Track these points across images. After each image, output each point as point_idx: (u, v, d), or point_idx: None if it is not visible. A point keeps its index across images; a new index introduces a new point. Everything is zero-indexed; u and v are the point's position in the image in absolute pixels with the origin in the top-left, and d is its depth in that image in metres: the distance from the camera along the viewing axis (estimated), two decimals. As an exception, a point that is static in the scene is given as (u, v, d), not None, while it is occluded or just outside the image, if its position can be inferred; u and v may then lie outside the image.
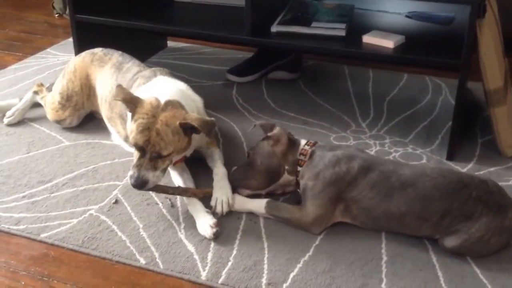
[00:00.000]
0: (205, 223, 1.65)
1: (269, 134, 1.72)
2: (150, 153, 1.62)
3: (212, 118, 1.70)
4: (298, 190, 1.72)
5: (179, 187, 1.73)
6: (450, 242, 1.54)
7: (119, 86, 1.71)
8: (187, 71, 2.71)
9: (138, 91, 1.83)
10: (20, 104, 2.26)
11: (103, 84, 2.05)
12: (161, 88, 1.79)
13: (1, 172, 1.92)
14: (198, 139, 1.79)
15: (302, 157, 1.70)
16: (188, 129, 1.66)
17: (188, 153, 1.82)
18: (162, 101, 1.67)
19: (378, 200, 1.58)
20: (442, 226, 1.55)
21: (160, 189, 1.69)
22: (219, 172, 1.80)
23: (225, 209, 1.69)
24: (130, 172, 1.64)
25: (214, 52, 2.95)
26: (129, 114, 1.72)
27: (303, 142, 1.74)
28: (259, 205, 1.70)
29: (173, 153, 1.66)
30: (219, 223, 1.65)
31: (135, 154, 1.67)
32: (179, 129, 1.64)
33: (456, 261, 1.55)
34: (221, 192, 1.73)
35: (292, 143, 1.73)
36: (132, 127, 1.66)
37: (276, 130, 1.72)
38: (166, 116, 1.63)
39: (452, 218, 1.53)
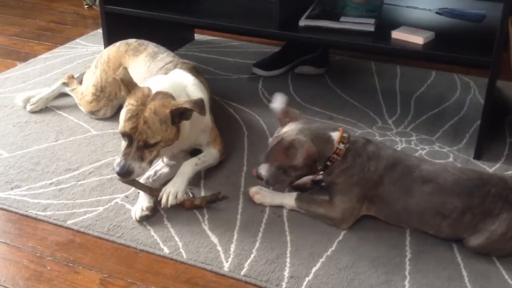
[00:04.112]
0: (140, 204, 1.67)
1: (295, 158, 1.56)
2: (137, 141, 1.63)
3: (200, 97, 1.71)
4: (323, 183, 1.71)
5: (154, 188, 1.73)
6: (474, 241, 1.52)
7: (125, 68, 1.73)
8: (213, 64, 2.72)
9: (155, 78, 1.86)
10: (45, 92, 2.29)
11: (136, 72, 2.06)
12: (164, 80, 1.80)
13: (30, 159, 1.96)
14: (195, 134, 1.80)
15: (335, 156, 1.60)
16: (176, 117, 1.66)
17: (185, 147, 1.83)
18: (154, 91, 1.68)
19: (400, 193, 1.57)
20: (462, 224, 1.53)
21: (137, 185, 1.70)
22: (183, 168, 1.76)
23: (171, 201, 1.66)
24: (117, 160, 1.65)
25: (240, 45, 2.96)
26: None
27: (335, 137, 1.61)
28: (289, 198, 1.70)
29: (161, 143, 1.66)
30: (153, 209, 1.67)
31: (123, 143, 1.68)
32: (167, 118, 1.64)
33: (481, 260, 1.53)
34: (173, 186, 1.69)
35: (322, 148, 1.59)
36: (122, 113, 1.67)
37: (301, 147, 1.54)
38: (155, 105, 1.64)
39: (473, 215, 1.51)
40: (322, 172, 1.65)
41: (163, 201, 1.67)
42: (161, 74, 1.90)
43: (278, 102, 1.71)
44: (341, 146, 1.60)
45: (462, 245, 1.57)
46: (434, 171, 1.58)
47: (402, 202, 1.58)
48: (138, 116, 1.62)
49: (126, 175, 1.63)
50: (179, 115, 1.66)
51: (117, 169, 1.63)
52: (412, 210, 1.57)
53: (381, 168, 1.59)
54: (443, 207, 1.54)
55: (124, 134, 1.65)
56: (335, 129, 1.63)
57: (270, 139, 1.65)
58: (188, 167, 1.77)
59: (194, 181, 1.82)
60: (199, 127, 1.83)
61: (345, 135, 1.62)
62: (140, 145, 1.63)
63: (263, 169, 1.64)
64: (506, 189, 1.52)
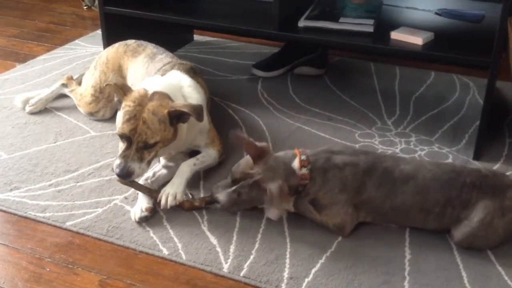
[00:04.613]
0: (139, 205, 1.67)
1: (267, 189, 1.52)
2: (137, 142, 1.63)
3: (200, 103, 1.72)
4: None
5: (153, 189, 1.73)
6: (457, 234, 1.55)
7: (115, 74, 1.72)
8: (212, 65, 2.72)
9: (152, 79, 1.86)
10: (44, 94, 2.29)
11: (134, 73, 2.06)
12: (160, 81, 1.80)
13: (29, 161, 1.95)
14: (193, 135, 1.80)
15: (303, 181, 1.58)
16: (174, 119, 1.66)
17: (183, 148, 1.83)
18: (150, 92, 1.68)
19: (385, 197, 1.58)
20: (446, 217, 1.56)
21: (136, 186, 1.70)
22: (181, 169, 1.76)
23: (170, 202, 1.66)
24: (116, 162, 1.64)
25: (240, 46, 2.96)
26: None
27: (296, 164, 1.59)
28: (288, 203, 1.68)
29: (159, 144, 1.66)
30: (152, 209, 1.67)
31: (120, 144, 1.67)
32: (166, 118, 1.64)
33: (480, 261, 1.53)
34: (172, 187, 1.70)
35: (290, 182, 1.57)
36: (119, 115, 1.67)
37: (274, 189, 1.51)
38: (153, 105, 1.64)
39: (452, 207, 1.55)
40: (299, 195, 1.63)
41: (162, 202, 1.67)
42: (159, 75, 1.90)
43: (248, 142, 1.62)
44: (304, 170, 1.58)
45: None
46: (412, 169, 1.59)
47: (388, 204, 1.58)
48: (136, 117, 1.62)
49: (126, 176, 1.63)
50: (177, 117, 1.66)
51: (117, 170, 1.63)
52: (398, 209, 1.58)
53: (359, 174, 1.58)
54: (426, 203, 1.56)
55: (123, 136, 1.65)
56: (293, 156, 1.61)
57: (238, 169, 1.60)
58: (186, 168, 1.77)
59: (193, 182, 1.82)
60: (196, 129, 1.83)
61: (303, 157, 1.60)
62: (139, 146, 1.63)
63: (222, 195, 1.61)
64: (479, 178, 1.56)
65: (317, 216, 1.63)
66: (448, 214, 1.56)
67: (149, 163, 1.68)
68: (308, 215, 1.65)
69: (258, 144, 1.60)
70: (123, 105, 1.67)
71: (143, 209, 1.66)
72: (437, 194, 1.56)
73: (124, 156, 1.63)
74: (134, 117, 1.63)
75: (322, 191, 1.60)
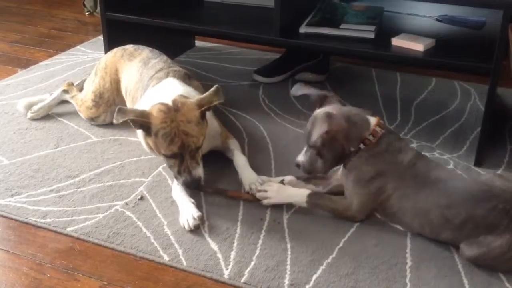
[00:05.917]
0: (189, 213, 1.67)
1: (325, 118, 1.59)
2: (189, 152, 1.68)
3: (216, 85, 1.77)
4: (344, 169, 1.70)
5: (218, 188, 1.79)
6: (470, 251, 1.51)
7: (119, 108, 1.70)
8: (214, 71, 2.72)
9: (148, 92, 1.89)
10: (47, 100, 2.29)
11: (128, 76, 2.08)
12: (162, 92, 1.82)
13: (30, 166, 1.95)
14: (208, 139, 1.82)
15: (371, 137, 1.62)
16: (204, 113, 1.73)
17: (203, 152, 1.84)
18: (170, 103, 1.70)
19: (412, 191, 1.58)
20: (463, 232, 1.51)
21: (211, 190, 1.78)
22: (239, 160, 1.87)
23: (261, 194, 1.74)
24: (182, 179, 1.70)
25: (241, 52, 2.96)
26: (139, 132, 1.76)
27: (373, 120, 1.64)
28: (300, 197, 1.70)
29: (203, 140, 1.73)
30: (202, 217, 1.68)
31: (169, 161, 1.72)
32: (198, 119, 1.70)
33: (482, 269, 1.52)
34: (250, 179, 1.79)
35: (356, 126, 1.62)
36: (156, 140, 1.69)
37: (332, 114, 1.59)
38: (184, 115, 1.68)
39: (475, 226, 1.49)
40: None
41: (259, 195, 1.73)
42: (154, 84, 1.91)
43: (311, 90, 1.76)
44: (378, 129, 1.63)
45: (462, 253, 1.57)
46: (448, 175, 1.60)
47: (412, 199, 1.58)
48: (177, 134, 1.67)
49: (197, 185, 1.70)
50: (206, 110, 1.73)
51: (188, 185, 1.71)
52: (420, 208, 1.57)
53: (406, 162, 1.60)
54: (448, 211, 1.53)
55: (174, 155, 1.69)
56: (372, 115, 1.67)
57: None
58: (242, 158, 1.88)
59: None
60: (210, 134, 1.86)
61: (382, 122, 1.66)
62: (192, 153, 1.69)
63: (300, 156, 1.70)
64: None
65: (334, 203, 1.67)
66: (468, 230, 1.50)
67: (202, 159, 1.75)
68: (323, 202, 1.68)
69: (320, 92, 1.72)
70: (154, 129, 1.68)
71: (196, 217, 1.65)
72: (461, 205, 1.51)
73: (184, 170, 1.69)
74: (175, 135, 1.67)
75: (368, 166, 1.61)
